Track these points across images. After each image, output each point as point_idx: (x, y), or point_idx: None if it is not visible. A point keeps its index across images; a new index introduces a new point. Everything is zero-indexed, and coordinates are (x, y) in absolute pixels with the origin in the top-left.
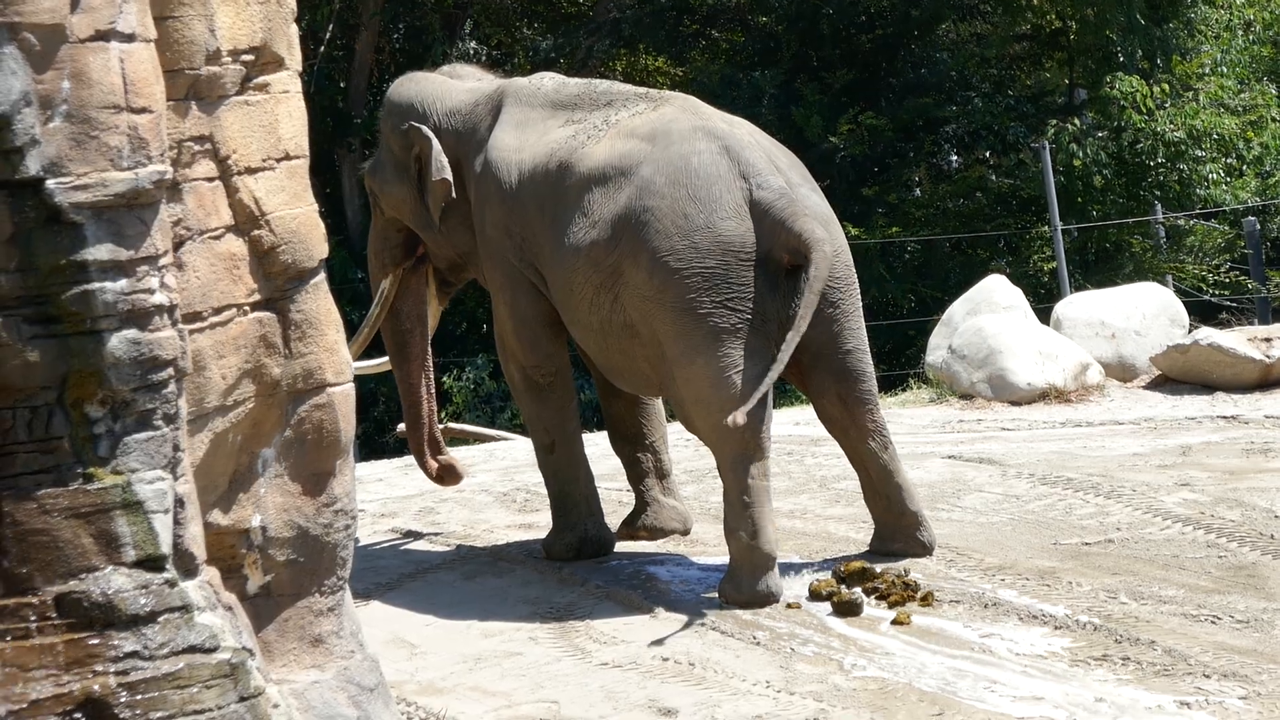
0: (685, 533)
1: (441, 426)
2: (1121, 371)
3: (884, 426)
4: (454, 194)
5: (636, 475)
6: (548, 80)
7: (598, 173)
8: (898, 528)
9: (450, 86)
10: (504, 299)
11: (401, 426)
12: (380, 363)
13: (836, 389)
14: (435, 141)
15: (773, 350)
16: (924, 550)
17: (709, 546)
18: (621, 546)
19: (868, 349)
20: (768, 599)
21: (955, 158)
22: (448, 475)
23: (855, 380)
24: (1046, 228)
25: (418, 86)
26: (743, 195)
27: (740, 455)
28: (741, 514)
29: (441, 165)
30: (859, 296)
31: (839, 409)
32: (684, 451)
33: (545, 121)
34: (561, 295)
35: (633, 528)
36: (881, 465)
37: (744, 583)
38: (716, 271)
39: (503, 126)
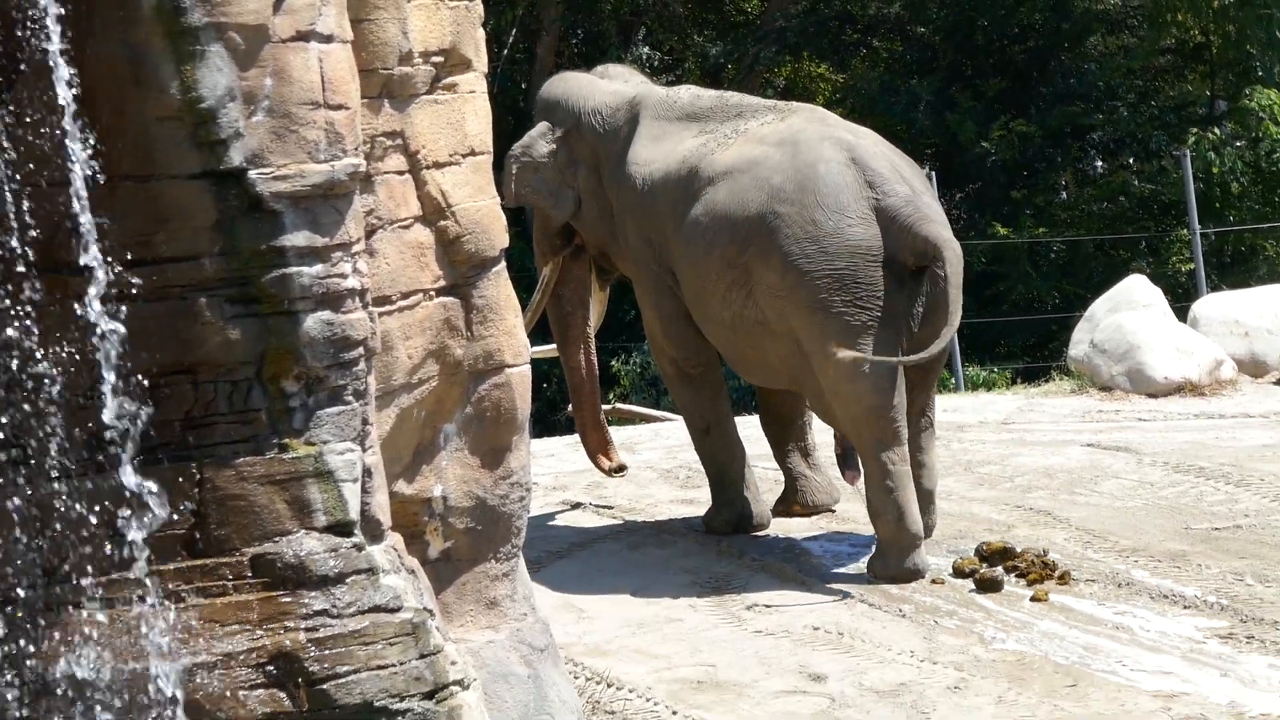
0: (834, 507)
1: (609, 407)
2: (1254, 368)
3: (933, 410)
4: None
5: (784, 454)
6: (684, 92)
7: (727, 178)
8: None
9: (597, 86)
10: (649, 301)
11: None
12: (550, 348)
13: (915, 375)
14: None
15: (902, 343)
16: (926, 530)
17: (859, 524)
18: (776, 523)
19: None
20: (914, 576)
21: (1100, 163)
22: (606, 458)
23: (932, 370)
24: (1185, 231)
25: (565, 85)
26: (869, 203)
27: (879, 442)
28: (885, 498)
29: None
30: None
31: (911, 391)
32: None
33: (680, 133)
34: (692, 292)
35: (787, 505)
36: (920, 444)
37: (892, 561)
38: (845, 272)
39: (640, 140)
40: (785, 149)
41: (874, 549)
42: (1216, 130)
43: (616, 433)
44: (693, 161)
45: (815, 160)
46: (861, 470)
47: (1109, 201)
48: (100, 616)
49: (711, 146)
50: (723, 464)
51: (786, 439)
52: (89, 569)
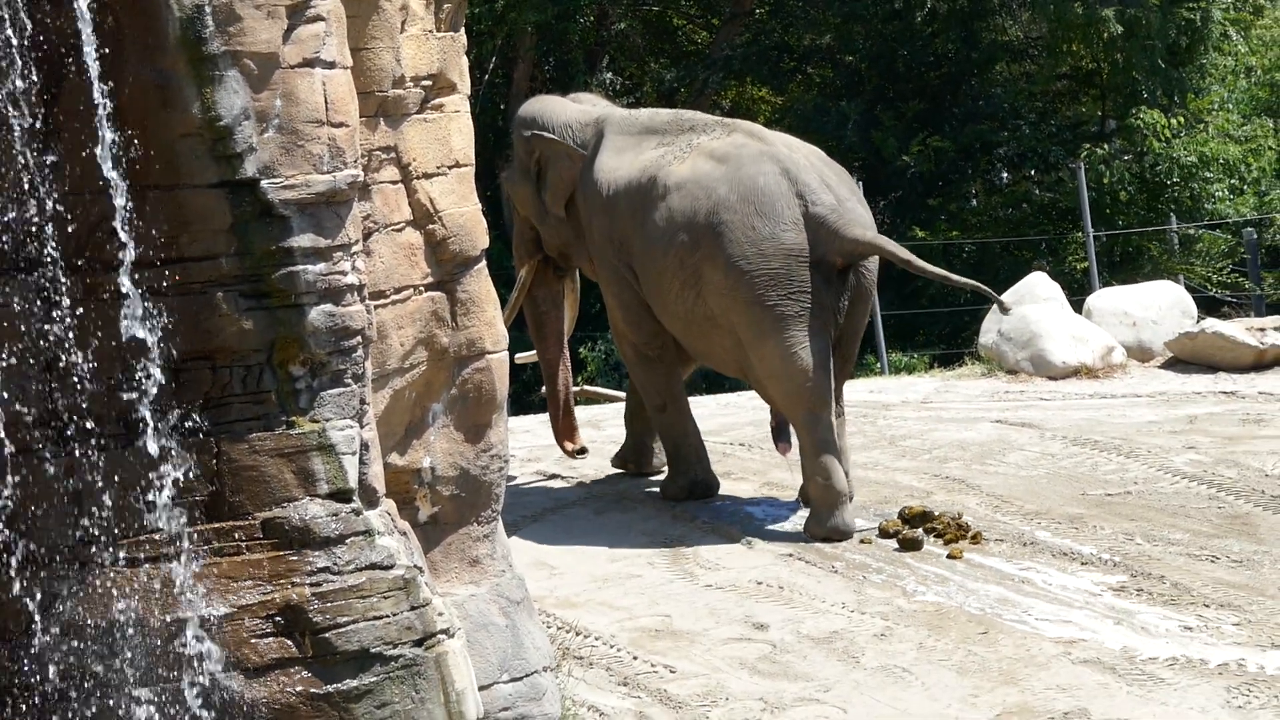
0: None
1: (578, 389)
2: (1140, 353)
3: (842, 402)
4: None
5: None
6: (643, 111)
7: (681, 188)
8: None
9: (567, 107)
10: (611, 292)
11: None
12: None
13: (837, 368)
14: (562, 140)
15: (830, 332)
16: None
17: (796, 491)
18: (724, 489)
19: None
20: (844, 532)
21: (1005, 175)
22: (570, 441)
23: (850, 364)
24: (1080, 234)
25: (540, 105)
26: (800, 210)
27: (810, 414)
28: (815, 462)
29: (573, 149)
30: None
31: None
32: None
33: (640, 145)
34: (651, 288)
35: None
36: (835, 430)
37: (823, 518)
38: (780, 272)
39: (605, 152)
40: (730, 163)
41: (808, 510)
42: (1107, 146)
43: (584, 411)
44: (652, 171)
45: (756, 174)
46: (794, 443)
47: (1013, 208)
48: (130, 572)
49: (669, 158)
50: (678, 437)
51: None
52: (119, 530)
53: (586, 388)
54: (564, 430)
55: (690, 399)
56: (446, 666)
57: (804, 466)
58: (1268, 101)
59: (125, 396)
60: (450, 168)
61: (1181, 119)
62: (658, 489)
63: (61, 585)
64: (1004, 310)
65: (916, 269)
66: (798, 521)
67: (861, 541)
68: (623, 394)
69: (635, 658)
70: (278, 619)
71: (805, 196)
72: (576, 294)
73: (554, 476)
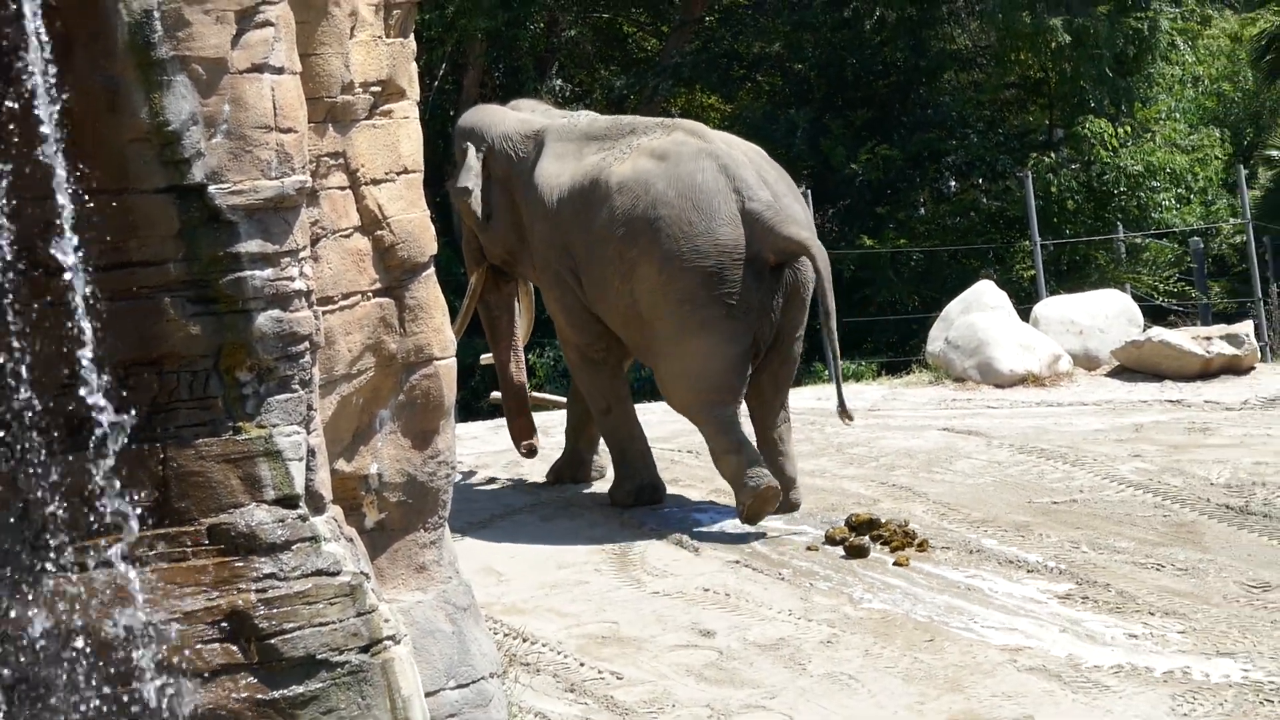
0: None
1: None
2: (1087, 362)
3: (788, 405)
4: (480, 206)
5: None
6: (582, 117)
7: (621, 187)
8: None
9: (507, 116)
10: (554, 297)
11: (495, 394)
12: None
13: (776, 368)
14: (471, 156)
15: (752, 332)
16: (792, 507)
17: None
18: (671, 496)
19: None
20: (771, 488)
21: (954, 183)
22: (527, 440)
23: (791, 364)
24: (1028, 242)
25: (480, 115)
26: (736, 205)
27: (711, 403)
28: (723, 440)
29: (466, 175)
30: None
31: (770, 386)
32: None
33: (580, 151)
34: (593, 287)
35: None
36: (780, 435)
37: (750, 486)
38: (713, 270)
39: (546, 158)
40: (670, 160)
41: (733, 489)
42: (1054, 154)
43: (535, 418)
44: (594, 174)
45: (694, 170)
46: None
47: (961, 216)
48: (75, 579)
49: (610, 160)
50: (624, 440)
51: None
52: (66, 537)
53: (535, 394)
54: (521, 430)
55: (637, 405)
56: (393, 673)
57: (713, 451)
58: (1214, 111)
59: (71, 402)
60: (399, 174)
61: (1129, 128)
62: (605, 495)
63: (3, 590)
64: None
65: (823, 295)
66: (745, 529)
67: (808, 549)
68: None
69: (582, 664)
70: (223, 625)
71: (742, 192)
72: (531, 298)
73: (502, 483)
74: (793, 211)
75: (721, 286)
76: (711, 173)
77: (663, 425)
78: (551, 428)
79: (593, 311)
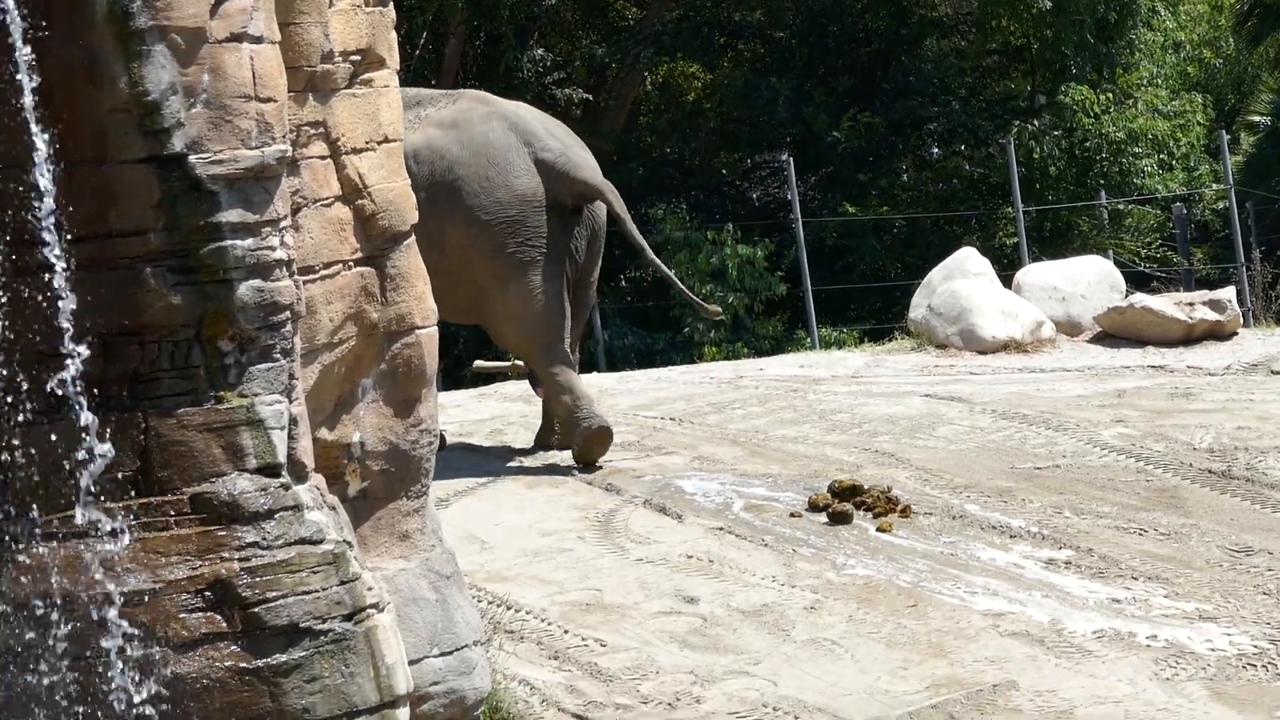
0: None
1: (473, 367)
2: (1069, 328)
3: (578, 348)
4: None
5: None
6: None
7: (416, 156)
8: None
9: None
10: None
11: (477, 362)
12: (501, 365)
13: (577, 310)
14: None
15: (566, 274)
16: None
17: (725, 463)
18: (653, 463)
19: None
20: (604, 428)
21: (936, 150)
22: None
23: (586, 306)
24: (1010, 209)
25: None
26: (530, 156)
27: (545, 346)
28: (556, 381)
29: None
30: None
31: (573, 321)
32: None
33: None
34: None
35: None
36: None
37: (582, 424)
38: (516, 218)
39: None
40: (460, 127)
41: (571, 434)
42: (1036, 121)
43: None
44: None
45: (485, 131)
46: None
47: (944, 183)
48: (58, 546)
49: None
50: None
51: None
52: (46, 506)
53: (480, 363)
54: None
55: (623, 374)
56: (376, 641)
57: (546, 391)
58: (1196, 77)
59: (52, 372)
60: (379, 143)
61: (1110, 95)
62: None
63: None
64: (709, 315)
65: (628, 232)
66: (729, 495)
67: (791, 515)
68: (515, 363)
69: (566, 632)
70: (206, 594)
71: (533, 144)
72: None
73: (485, 451)
74: (583, 158)
75: (528, 233)
76: (501, 131)
77: (645, 393)
78: (532, 395)
79: None
